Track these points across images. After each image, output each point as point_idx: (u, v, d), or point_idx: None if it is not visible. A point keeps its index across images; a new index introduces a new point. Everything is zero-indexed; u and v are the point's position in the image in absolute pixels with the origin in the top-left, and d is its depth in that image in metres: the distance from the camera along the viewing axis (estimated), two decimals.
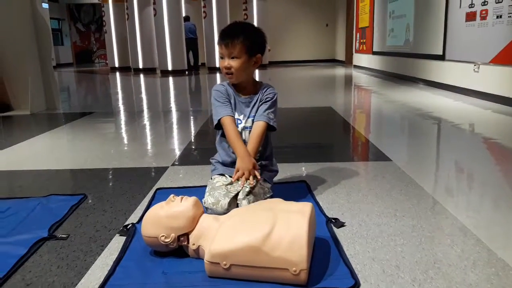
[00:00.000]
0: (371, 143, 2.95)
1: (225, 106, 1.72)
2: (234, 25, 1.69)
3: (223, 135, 1.74)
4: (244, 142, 1.70)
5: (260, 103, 1.74)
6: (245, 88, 1.76)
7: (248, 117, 1.74)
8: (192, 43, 11.59)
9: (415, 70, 7.04)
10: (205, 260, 1.19)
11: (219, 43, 1.67)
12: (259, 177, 1.59)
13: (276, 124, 1.74)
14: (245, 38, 1.64)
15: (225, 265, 1.16)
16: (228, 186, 1.62)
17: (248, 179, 1.57)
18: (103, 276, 1.22)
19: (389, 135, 3.42)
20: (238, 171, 1.60)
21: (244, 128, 1.74)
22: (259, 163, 1.70)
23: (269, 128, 1.73)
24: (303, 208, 1.29)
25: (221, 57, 1.68)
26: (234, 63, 1.65)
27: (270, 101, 1.73)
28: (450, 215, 1.63)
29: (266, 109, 1.72)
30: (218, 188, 1.62)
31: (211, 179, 1.72)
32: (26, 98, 4.68)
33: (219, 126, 1.73)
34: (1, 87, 4.69)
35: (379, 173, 2.18)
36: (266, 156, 1.78)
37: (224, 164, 1.76)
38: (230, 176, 1.66)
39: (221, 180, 1.66)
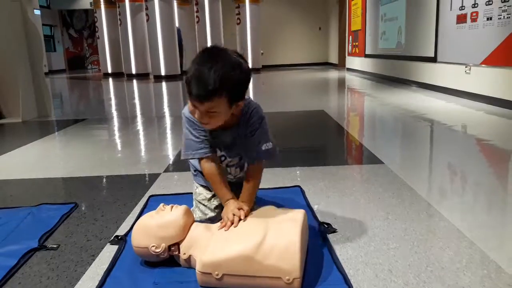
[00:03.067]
0: (364, 146, 2.96)
1: (202, 142, 1.42)
2: (210, 68, 1.22)
3: None
4: (230, 174, 1.55)
5: (246, 135, 1.43)
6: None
7: (234, 156, 1.50)
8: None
9: (407, 73, 7.07)
10: (196, 270, 1.18)
11: (191, 95, 1.26)
12: (242, 217, 1.31)
13: (272, 150, 1.45)
14: (226, 90, 1.24)
15: (217, 275, 1.15)
16: (211, 200, 1.58)
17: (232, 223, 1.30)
18: (94, 286, 1.21)
19: (382, 138, 3.43)
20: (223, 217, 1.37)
21: (229, 165, 1.53)
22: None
23: None
24: (295, 216, 1.29)
25: (194, 106, 1.30)
26: (213, 120, 1.30)
27: (258, 131, 1.41)
28: (442, 217, 1.63)
29: (258, 144, 1.42)
30: (202, 202, 1.59)
31: (195, 187, 1.65)
32: (17, 105, 4.65)
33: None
34: None
35: (372, 177, 2.18)
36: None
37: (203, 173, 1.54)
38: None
39: (204, 193, 1.60)
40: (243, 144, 1.46)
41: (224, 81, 1.22)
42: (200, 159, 1.47)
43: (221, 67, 1.23)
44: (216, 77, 1.21)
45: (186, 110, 1.43)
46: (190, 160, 1.62)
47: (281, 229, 1.21)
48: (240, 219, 1.31)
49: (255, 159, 1.45)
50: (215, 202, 1.57)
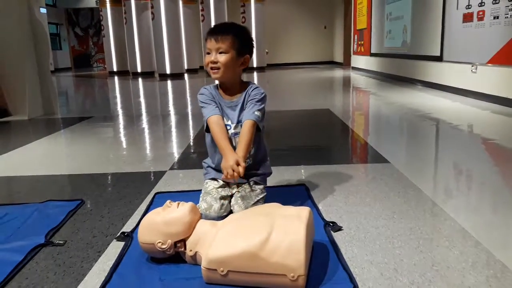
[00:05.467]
0: (369, 145, 2.95)
1: (211, 106, 1.65)
2: (225, 23, 1.67)
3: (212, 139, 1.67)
4: (234, 148, 1.62)
5: (248, 105, 1.65)
6: (230, 90, 1.69)
7: (237, 123, 1.66)
8: None
9: (413, 72, 7.04)
10: (202, 267, 1.18)
11: (207, 38, 1.61)
12: (241, 173, 1.47)
13: (263, 125, 1.66)
14: (236, 35, 1.60)
15: (222, 271, 1.15)
16: (219, 189, 1.64)
17: (233, 176, 1.47)
18: (100, 282, 1.21)
19: (387, 137, 3.42)
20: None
21: (234, 134, 1.66)
22: (250, 164, 1.67)
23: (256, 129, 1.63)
24: (301, 213, 1.29)
25: (208, 53, 1.61)
26: (221, 58, 1.59)
27: (257, 100, 1.64)
28: (448, 217, 1.62)
29: (252, 108, 1.63)
30: (210, 192, 1.64)
31: (205, 183, 1.72)
32: (23, 103, 4.68)
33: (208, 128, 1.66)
34: None
35: (377, 175, 2.18)
36: (258, 159, 1.73)
37: (215, 168, 1.73)
38: (222, 180, 1.68)
39: (212, 184, 1.67)
40: (242, 114, 1.66)
41: (235, 28, 1.63)
42: (208, 119, 1.62)
43: (234, 23, 1.68)
44: (228, 24, 1.65)
45: (200, 90, 1.71)
46: (204, 162, 1.77)
47: (286, 226, 1.21)
48: (239, 175, 1.46)
49: (248, 116, 1.61)
50: (222, 193, 1.63)
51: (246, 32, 1.66)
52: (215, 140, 1.61)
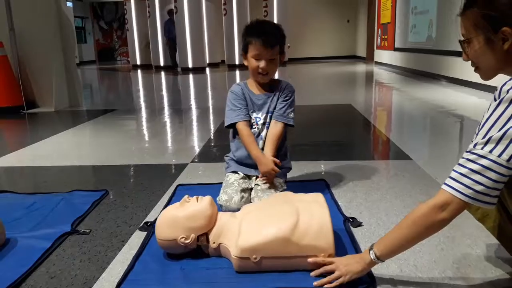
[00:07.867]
0: (392, 142, 2.92)
1: (240, 110, 1.73)
2: (269, 24, 1.70)
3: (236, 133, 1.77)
4: (262, 138, 1.74)
5: (279, 100, 1.74)
6: (263, 85, 1.77)
7: (267, 113, 1.75)
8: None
9: (437, 67, 6.91)
10: (233, 256, 1.21)
11: (260, 44, 1.61)
12: (278, 170, 1.67)
13: (294, 121, 1.77)
14: (281, 40, 1.67)
15: (255, 258, 1.18)
16: (240, 181, 1.69)
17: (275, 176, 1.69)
18: (124, 270, 1.25)
19: (410, 133, 3.37)
20: (264, 175, 1.68)
21: (264, 123, 1.75)
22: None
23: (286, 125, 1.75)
24: (318, 198, 1.36)
25: (257, 58, 1.65)
26: (271, 66, 1.67)
27: (290, 100, 1.75)
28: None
29: (286, 109, 1.73)
30: (231, 184, 1.68)
31: (226, 176, 1.77)
32: (50, 95, 4.81)
33: (230, 126, 1.76)
34: (27, 84, 4.83)
35: (399, 172, 2.16)
36: (280, 155, 1.79)
37: (238, 160, 1.78)
38: (245, 174, 1.74)
39: (233, 177, 1.72)
40: (272, 106, 1.75)
41: (277, 30, 1.68)
42: (236, 125, 1.72)
43: (272, 22, 1.75)
44: (272, 26, 1.69)
45: (233, 87, 1.79)
46: (226, 156, 1.84)
47: (311, 210, 1.26)
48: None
49: (279, 118, 1.73)
50: (243, 185, 1.68)
51: (282, 32, 1.71)
52: (245, 147, 1.72)
